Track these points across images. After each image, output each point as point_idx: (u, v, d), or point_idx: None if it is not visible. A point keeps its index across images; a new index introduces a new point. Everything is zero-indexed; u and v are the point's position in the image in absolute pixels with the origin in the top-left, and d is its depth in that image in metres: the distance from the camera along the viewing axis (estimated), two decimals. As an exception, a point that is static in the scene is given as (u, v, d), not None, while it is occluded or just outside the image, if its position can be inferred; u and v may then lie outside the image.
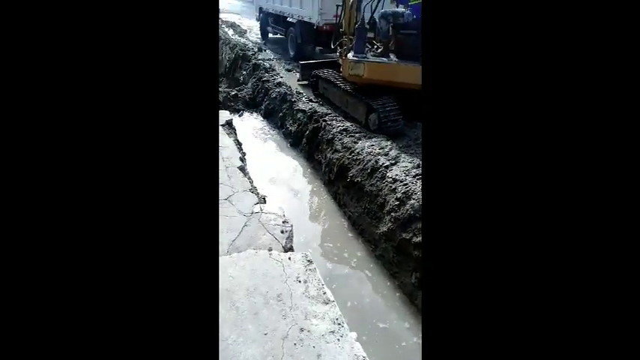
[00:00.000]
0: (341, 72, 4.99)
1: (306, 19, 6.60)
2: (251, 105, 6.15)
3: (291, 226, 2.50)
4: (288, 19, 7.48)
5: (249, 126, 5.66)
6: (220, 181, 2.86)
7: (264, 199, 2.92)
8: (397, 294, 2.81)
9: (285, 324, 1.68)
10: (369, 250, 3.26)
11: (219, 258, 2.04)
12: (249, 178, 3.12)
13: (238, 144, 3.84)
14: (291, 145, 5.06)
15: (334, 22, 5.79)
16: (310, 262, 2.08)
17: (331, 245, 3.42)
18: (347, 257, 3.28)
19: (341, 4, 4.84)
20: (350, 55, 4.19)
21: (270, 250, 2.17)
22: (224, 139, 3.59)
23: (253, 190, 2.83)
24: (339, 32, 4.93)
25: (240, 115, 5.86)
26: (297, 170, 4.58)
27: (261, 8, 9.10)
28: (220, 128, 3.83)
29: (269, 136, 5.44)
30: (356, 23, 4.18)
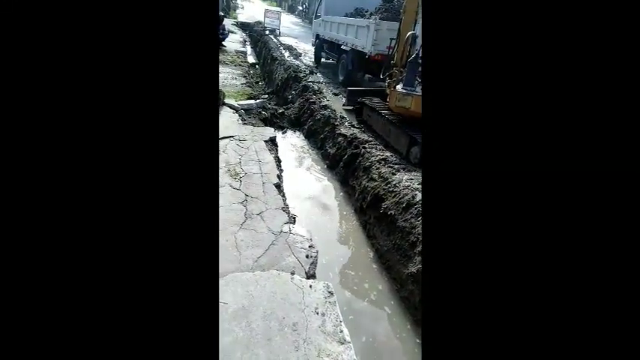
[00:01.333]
0: (387, 102, 5.00)
1: (359, 48, 6.79)
2: (295, 124, 6.36)
3: (317, 251, 2.45)
4: (341, 47, 7.76)
5: (291, 143, 5.82)
6: (256, 195, 2.93)
7: (294, 218, 2.92)
8: (417, 340, 2.58)
9: (297, 357, 1.60)
10: (392, 289, 3.07)
11: (243, 274, 2.05)
12: (284, 196, 3.15)
13: (278, 161, 3.95)
14: (328, 167, 5.08)
15: (385, 52, 5.90)
16: (331, 293, 2.00)
17: (353, 274, 3.29)
18: (367, 289, 3.11)
19: (395, 37, 4.93)
20: (399, 87, 4.18)
21: (292, 273, 2.13)
22: (265, 155, 3.71)
23: (285, 209, 2.85)
24: (390, 64, 4.99)
25: (283, 132, 6.07)
26: (330, 193, 4.56)
27: (317, 35, 9.59)
28: (263, 144, 3.98)
29: (308, 155, 5.53)
30: (409, 57, 4.19)
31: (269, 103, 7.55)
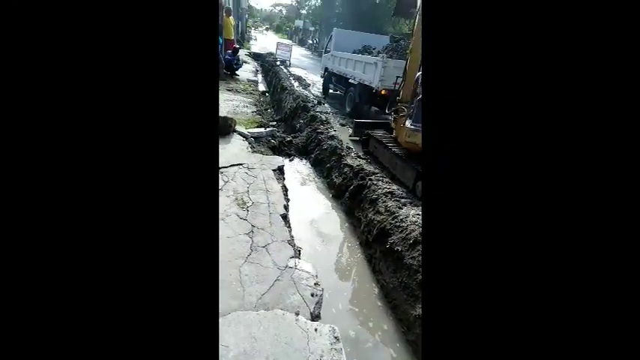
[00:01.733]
0: (393, 135, 5.09)
1: (366, 83, 7.04)
2: (302, 152, 6.44)
3: (322, 289, 2.36)
4: (349, 80, 8.06)
5: (298, 170, 5.86)
6: (262, 226, 2.88)
7: (299, 251, 2.86)
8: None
9: (300, 413, 1.48)
10: (398, 330, 2.92)
11: (246, 313, 1.96)
12: (290, 228, 3.11)
13: (285, 190, 3.94)
14: (333, 196, 5.06)
15: (391, 87, 6.12)
16: (337, 339, 1.89)
17: (357, 310, 3.14)
18: (372, 328, 2.96)
19: (402, 75, 5.11)
20: (408, 124, 4.25)
21: (297, 314, 2.04)
22: (273, 184, 3.72)
23: (291, 241, 2.79)
24: (396, 99, 5.13)
25: (290, 160, 6.13)
26: (335, 223, 4.50)
27: (326, 68, 10.00)
28: (271, 172, 4.00)
29: (314, 183, 5.54)
30: (417, 95, 4.31)
31: (278, 131, 7.76)
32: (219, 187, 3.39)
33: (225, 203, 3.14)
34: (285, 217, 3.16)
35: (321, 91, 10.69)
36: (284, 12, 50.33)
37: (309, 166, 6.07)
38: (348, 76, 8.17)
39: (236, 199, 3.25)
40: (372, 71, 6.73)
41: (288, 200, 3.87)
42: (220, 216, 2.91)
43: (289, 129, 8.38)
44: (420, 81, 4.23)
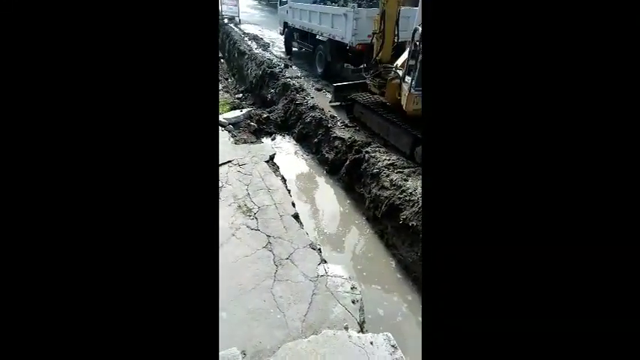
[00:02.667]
0: (377, 97, 4.77)
1: (337, 39, 6.36)
2: (283, 127, 5.96)
3: (360, 292, 2.28)
4: (316, 37, 7.26)
5: (283, 150, 5.47)
6: (278, 233, 2.66)
7: (319, 249, 2.71)
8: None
9: None
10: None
11: (297, 343, 1.84)
12: (303, 226, 2.91)
13: (284, 181, 3.64)
14: (327, 173, 4.84)
15: (367, 42, 5.56)
16: (395, 347, 1.85)
17: (379, 288, 3.20)
18: (397, 302, 3.05)
19: (377, 30, 4.55)
20: (411, 89, 3.85)
21: (346, 328, 1.96)
22: (271, 179, 3.40)
23: (313, 244, 2.62)
24: (375, 60, 4.66)
25: (272, 139, 5.67)
26: (336, 202, 4.36)
27: (286, 23, 8.90)
28: (265, 165, 3.64)
29: (304, 161, 5.24)
30: (417, 52, 3.79)
31: (244, 101, 7.00)
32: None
33: (229, 214, 2.82)
34: (297, 217, 2.94)
35: (283, 50, 9.65)
36: (215, -47, 42.99)
37: (294, 142, 5.66)
38: (314, 32, 7.31)
39: (239, 206, 2.94)
40: (343, 24, 6.02)
41: (288, 190, 3.60)
42: (230, 230, 2.63)
43: (259, 100, 7.64)
44: (418, 35, 3.69)
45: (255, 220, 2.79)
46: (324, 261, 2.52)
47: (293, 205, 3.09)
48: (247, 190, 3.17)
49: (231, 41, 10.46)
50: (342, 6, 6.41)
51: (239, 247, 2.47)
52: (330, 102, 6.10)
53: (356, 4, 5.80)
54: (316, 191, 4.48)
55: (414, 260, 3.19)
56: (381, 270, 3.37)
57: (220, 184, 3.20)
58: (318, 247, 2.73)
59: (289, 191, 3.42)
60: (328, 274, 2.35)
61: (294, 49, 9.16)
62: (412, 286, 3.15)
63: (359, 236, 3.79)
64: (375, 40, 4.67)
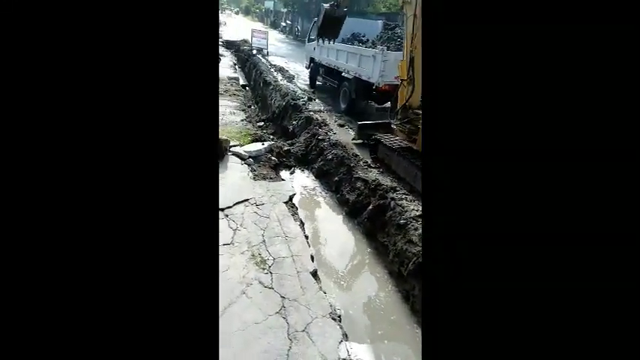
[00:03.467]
0: (403, 140, 4.55)
1: (363, 78, 6.33)
2: (302, 161, 5.77)
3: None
4: (342, 74, 7.29)
5: (302, 185, 5.22)
6: (294, 295, 2.30)
7: (339, 316, 2.32)
8: None
9: None
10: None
11: None
12: (321, 285, 2.55)
13: (302, 227, 3.33)
14: (347, 214, 4.51)
15: (393, 82, 5.47)
16: None
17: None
18: None
19: (407, 76, 4.42)
20: None
21: None
22: (290, 225, 3.10)
23: (334, 314, 2.24)
24: (404, 105, 4.49)
25: (292, 173, 5.46)
26: (357, 250, 3.98)
27: (312, 58, 9.09)
28: (284, 207, 3.37)
29: (322, 199, 4.95)
30: None
31: (265, 131, 6.94)
32: (230, 239, 2.74)
33: (242, 264, 2.51)
34: (315, 275, 2.59)
35: (306, 82, 9.80)
36: (251, -8, 46.84)
37: (313, 178, 5.43)
38: (340, 69, 7.37)
39: (252, 255, 2.63)
40: (371, 65, 6.00)
41: (308, 238, 3.28)
42: (241, 286, 2.30)
43: (279, 130, 7.59)
44: None
45: (269, 274, 2.46)
46: (345, 336, 2.12)
47: (312, 258, 2.75)
48: (263, 236, 2.87)
49: (258, 71, 10.77)
50: (370, 47, 6.44)
51: (249, 310, 2.13)
52: (353, 139, 5.93)
53: (385, 47, 5.80)
54: (335, 237, 4.12)
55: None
56: (404, 338, 2.91)
57: (235, 227, 2.92)
58: (339, 314, 2.34)
59: (307, 239, 3.10)
60: (351, 357, 1.95)
61: (318, 82, 9.27)
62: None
63: (381, 294, 3.36)
64: (403, 86, 4.52)
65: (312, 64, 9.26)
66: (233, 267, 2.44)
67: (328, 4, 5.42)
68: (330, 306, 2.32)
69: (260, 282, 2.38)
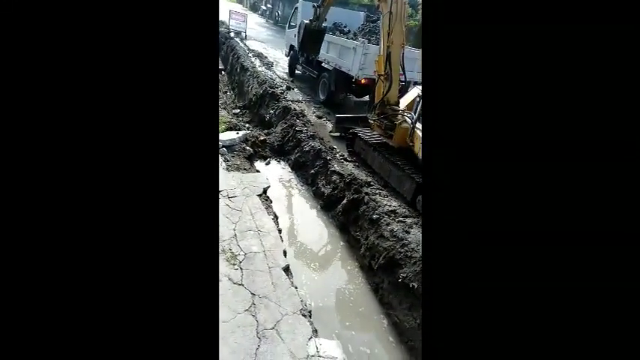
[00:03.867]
0: (380, 136, 4.57)
1: (343, 70, 6.24)
2: (279, 152, 5.63)
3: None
4: (322, 64, 7.14)
5: (277, 176, 5.11)
6: (264, 292, 2.25)
7: (309, 312, 2.32)
8: None
9: None
10: (419, 372, 2.64)
11: None
12: (292, 281, 2.52)
13: (276, 221, 3.26)
14: (322, 208, 4.49)
15: (373, 77, 5.45)
16: None
17: (368, 351, 2.80)
18: None
19: (384, 69, 4.38)
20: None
21: None
22: (263, 218, 3.01)
23: (304, 311, 2.22)
24: (383, 101, 4.48)
25: (267, 164, 5.32)
26: (329, 241, 4.00)
27: (292, 46, 8.81)
28: (257, 200, 3.26)
29: (297, 191, 4.88)
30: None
31: (242, 118, 6.67)
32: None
33: (210, 260, 2.40)
34: (287, 270, 2.55)
35: (286, 70, 9.51)
36: (230, -31, 44.11)
37: (289, 169, 5.33)
38: (320, 59, 7.21)
39: (223, 250, 2.53)
40: (351, 57, 5.92)
41: (281, 232, 3.21)
42: (207, 283, 2.20)
43: (256, 118, 7.33)
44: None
45: (239, 270, 2.38)
46: (315, 332, 2.12)
47: (284, 253, 2.71)
48: (235, 229, 2.77)
49: (235, 55, 10.26)
50: (352, 39, 6.34)
51: (217, 308, 2.05)
52: (331, 132, 5.88)
53: (366, 40, 5.73)
54: (309, 231, 4.10)
55: (412, 327, 2.83)
56: (372, 329, 2.99)
57: (204, 220, 2.79)
58: (309, 310, 2.33)
59: (280, 234, 3.04)
60: (320, 353, 1.95)
61: (297, 71, 9.04)
62: (406, 356, 2.77)
63: (351, 287, 3.41)
64: (381, 81, 4.50)
65: (291, 52, 8.98)
66: (201, 263, 2.34)
67: (308, 19, 5.22)
68: (301, 301, 2.30)
69: (229, 278, 2.29)
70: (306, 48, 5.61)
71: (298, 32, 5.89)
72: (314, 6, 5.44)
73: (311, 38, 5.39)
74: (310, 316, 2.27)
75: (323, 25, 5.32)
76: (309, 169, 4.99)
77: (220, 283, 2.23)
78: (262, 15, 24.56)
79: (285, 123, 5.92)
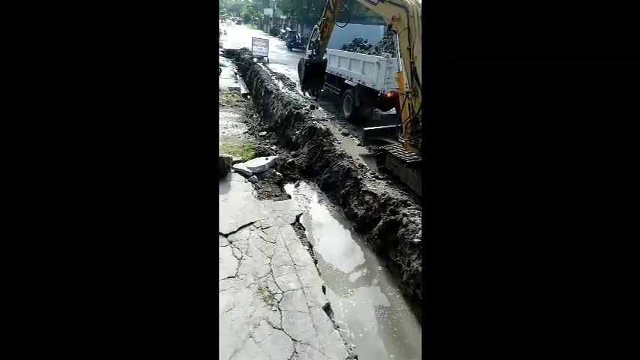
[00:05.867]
0: (406, 153, 4.29)
1: (367, 85, 6.10)
2: (307, 173, 5.54)
3: None
4: (345, 81, 7.07)
5: (307, 198, 4.99)
6: (306, 337, 2.05)
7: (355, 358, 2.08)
8: None
9: None
10: None
11: None
12: (334, 322, 2.30)
13: (311, 251, 3.09)
14: (356, 230, 4.27)
15: (397, 90, 5.23)
16: None
17: None
18: None
19: (409, 87, 4.12)
20: None
21: None
22: (298, 250, 2.86)
23: (351, 358, 1.99)
24: (415, 118, 4.20)
25: (296, 186, 5.24)
26: (367, 268, 3.73)
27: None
28: (291, 230, 3.13)
29: (328, 212, 4.71)
30: None
31: (269, 140, 6.73)
32: (235, 271, 2.51)
33: (248, 300, 2.27)
34: (328, 309, 2.35)
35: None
36: (251, 0, 46.93)
37: (319, 190, 5.19)
38: (342, 77, 7.15)
39: (259, 288, 2.39)
40: (375, 72, 5.77)
41: (317, 264, 3.03)
42: (247, 327, 2.06)
43: (282, 140, 7.37)
44: None
45: (278, 312, 2.22)
46: (365, 386, 1.87)
47: (323, 290, 2.51)
48: (270, 265, 2.63)
49: (259, 79, 10.59)
50: (374, 54, 6.22)
51: (257, 358, 1.89)
52: (359, 145, 5.70)
53: (390, 54, 5.57)
54: (345, 255, 3.88)
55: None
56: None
57: (240, 255, 2.69)
58: (355, 356, 2.09)
59: (317, 266, 2.85)
60: (374, 414, 1.69)
61: (320, 90, 9.07)
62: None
63: (396, 320, 3.10)
64: (407, 99, 4.21)
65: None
66: (239, 305, 2.21)
67: (306, 56, 5.13)
68: (345, 344, 2.07)
69: (269, 322, 2.14)
70: (311, 84, 5.51)
71: (299, 71, 5.93)
72: (311, 41, 5.43)
73: (314, 74, 5.29)
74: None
75: (324, 57, 5.21)
76: (339, 190, 4.81)
77: (258, 329, 2.08)
78: (282, 38, 25.50)
79: (312, 144, 5.84)
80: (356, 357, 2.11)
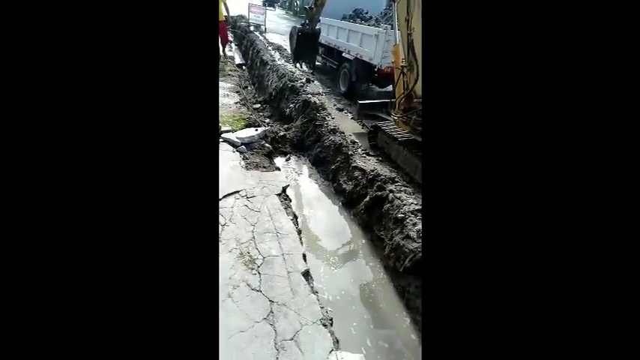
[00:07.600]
0: (405, 130, 4.25)
1: (365, 59, 5.91)
2: (299, 147, 5.49)
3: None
4: (342, 54, 6.83)
5: (297, 172, 4.99)
6: (283, 299, 2.13)
7: (331, 320, 2.18)
8: None
9: None
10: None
11: None
12: (313, 287, 2.39)
13: (295, 222, 3.13)
14: (343, 205, 4.32)
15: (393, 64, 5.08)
16: None
17: (386, 346, 2.64)
18: None
19: (407, 61, 3.98)
20: None
21: None
22: (282, 219, 2.90)
23: (325, 320, 2.09)
24: (410, 94, 4.10)
25: (287, 160, 5.21)
26: (351, 240, 3.83)
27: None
28: (276, 200, 3.15)
29: (317, 186, 4.73)
30: None
31: (263, 113, 6.60)
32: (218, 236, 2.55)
33: (229, 263, 2.33)
34: (307, 275, 2.42)
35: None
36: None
37: (309, 165, 5.18)
38: (340, 49, 6.89)
39: (241, 253, 2.44)
40: (372, 45, 5.56)
41: (301, 234, 3.09)
42: (227, 288, 2.13)
43: (276, 112, 7.22)
44: None
45: (257, 275, 2.29)
46: (337, 343, 1.98)
47: (304, 257, 2.57)
48: (253, 232, 2.68)
49: (255, 49, 10.17)
50: (374, 26, 5.96)
51: (234, 316, 1.97)
52: (353, 119, 5.63)
53: (389, 26, 5.34)
54: (330, 229, 3.94)
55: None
56: (400, 338, 2.81)
57: (223, 222, 2.72)
58: (330, 318, 2.19)
59: (300, 235, 2.91)
60: (342, 368, 1.81)
61: (317, 63, 8.76)
62: None
63: (375, 290, 3.23)
64: (404, 73, 4.07)
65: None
66: (220, 267, 2.26)
67: (299, 24, 4.78)
68: (322, 308, 2.17)
69: (248, 284, 2.21)
70: (302, 54, 5.20)
71: (290, 40, 5.61)
72: (305, 8, 5.10)
73: (306, 44, 4.98)
74: (332, 325, 2.14)
75: (317, 27, 4.90)
76: (329, 165, 4.81)
77: (237, 290, 2.15)
78: (282, 6, 24.21)
79: (305, 117, 5.74)
80: (331, 319, 2.22)
